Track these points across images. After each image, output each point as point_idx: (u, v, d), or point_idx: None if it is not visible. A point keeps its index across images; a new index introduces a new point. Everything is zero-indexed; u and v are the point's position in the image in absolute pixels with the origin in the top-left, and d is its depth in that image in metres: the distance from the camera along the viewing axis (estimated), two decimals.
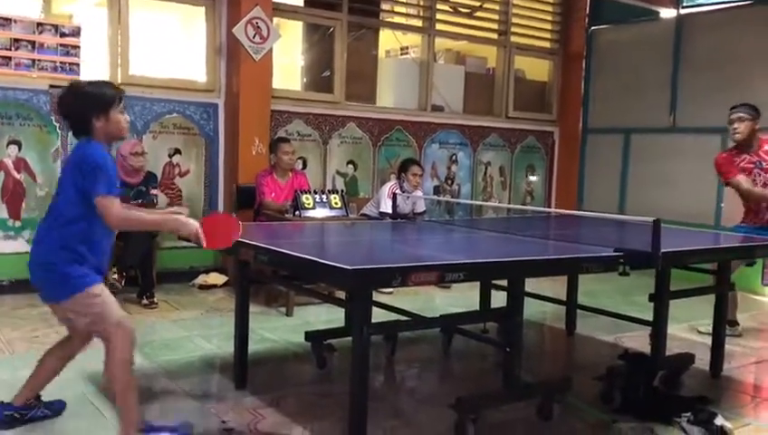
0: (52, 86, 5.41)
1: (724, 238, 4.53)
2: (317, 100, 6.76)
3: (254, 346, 3.87)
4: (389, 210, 5.85)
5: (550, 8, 8.31)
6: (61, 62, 5.46)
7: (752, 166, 4.89)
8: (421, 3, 7.53)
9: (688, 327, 5.04)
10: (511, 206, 7.71)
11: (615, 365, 3.63)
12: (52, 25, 5.44)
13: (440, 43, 7.73)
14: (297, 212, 5.28)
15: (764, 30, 6.75)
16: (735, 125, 4.88)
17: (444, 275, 2.59)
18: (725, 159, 4.99)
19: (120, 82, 5.71)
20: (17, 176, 5.38)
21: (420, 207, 6.38)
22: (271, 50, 6.07)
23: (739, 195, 4.96)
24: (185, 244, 3.88)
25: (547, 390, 3.31)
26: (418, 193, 6.37)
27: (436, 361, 4.29)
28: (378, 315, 2.96)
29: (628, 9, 7.57)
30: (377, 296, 4.10)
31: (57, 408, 3.05)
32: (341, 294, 3.89)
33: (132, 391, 2.76)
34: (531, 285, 3.39)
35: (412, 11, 7.64)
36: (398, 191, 5.88)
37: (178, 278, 5.89)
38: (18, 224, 5.42)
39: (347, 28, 6.82)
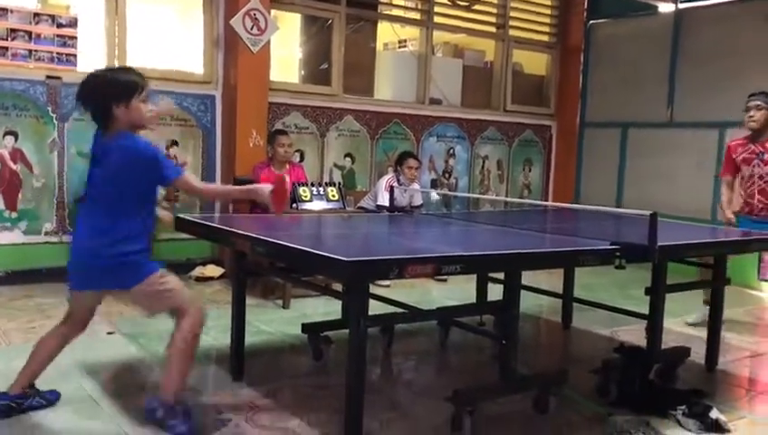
0: (48, 77, 5.39)
1: (721, 232, 4.53)
2: (315, 92, 6.74)
3: (250, 338, 3.87)
4: (387, 203, 5.85)
5: (548, 1, 8.29)
6: (57, 53, 5.44)
7: (753, 157, 4.91)
8: None
9: (683, 321, 5.05)
10: (508, 199, 7.72)
11: (611, 358, 3.64)
12: (49, 16, 5.42)
13: (438, 36, 7.72)
14: (294, 205, 5.27)
15: (762, 24, 6.74)
16: (752, 113, 4.88)
17: (440, 268, 2.59)
18: (729, 151, 5.06)
19: None
20: (14, 167, 5.36)
21: (417, 201, 6.39)
22: (268, 42, 6.05)
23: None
24: (182, 236, 3.91)
25: (543, 382, 3.32)
26: (416, 186, 6.37)
27: (432, 353, 4.30)
28: (375, 308, 2.97)
29: (626, 3, 7.57)
30: (374, 289, 4.11)
31: (51, 398, 3.05)
32: (338, 287, 3.90)
33: (190, 366, 2.91)
34: (527, 278, 3.39)
35: (410, 3, 7.61)
36: (395, 184, 5.89)
37: (175, 270, 5.70)
38: (15, 215, 5.40)
39: (345, 20, 6.80)
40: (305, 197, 5.33)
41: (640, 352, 3.70)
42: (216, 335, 4.23)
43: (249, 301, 3.82)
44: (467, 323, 3.98)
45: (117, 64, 5.70)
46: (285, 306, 5.05)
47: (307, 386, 3.54)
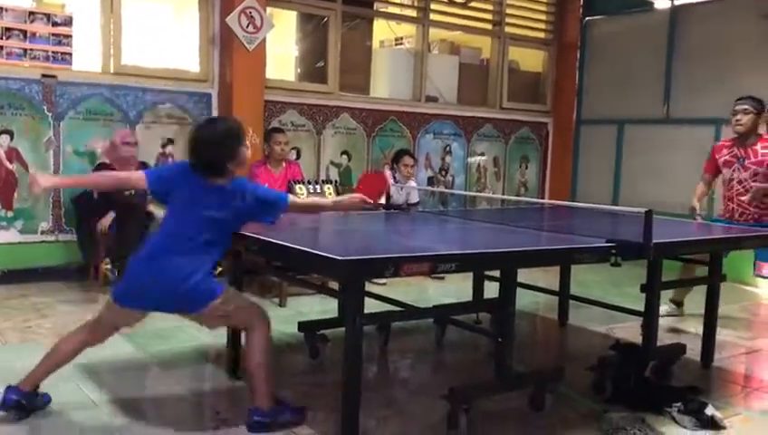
0: (44, 75, 5.38)
1: (716, 229, 4.54)
2: (311, 90, 6.74)
3: None
4: (383, 201, 5.85)
5: None
6: (53, 52, 5.43)
7: (733, 160, 4.95)
8: None
9: (680, 318, 5.07)
10: (504, 197, 7.72)
11: (607, 356, 3.65)
12: (44, 14, 5.41)
13: (434, 33, 7.71)
14: None
15: (758, 21, 6.75)
16: (739, 117, 4.91)
17: (436, 266, 2.59)
18: (714, 151, 5.11)
19: (112, 71, 5.71)
20: (9, 166, 5.35)
21: (414, 198, 6.39)
22: (264, 40, 6.05)
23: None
24: None
25: (539, 380, 3.33)
26: (412, 184, 6.38)
27: (428, 351, 4.30)
28: (371, 306, 2.97)
29: (622, 0, 7.56)
30: (370, 287, 4.10)
31: (45, 401, 3.05)
32: (335, 285, 3.90)
33: (272, 373, 3.00)
34: (523, 275, 3.40)
35: (406, 1, 7.60)
36: (391, 182, 5.89)
37: None
38: (10, 214, 5.39)
39: (341, 18, 6.80)
40: (302, 194, 5.32)
41: (636, 350, 3.71)
42: (213, 334, 4.22)
43: None
44: (464, 320, 3.99)
45: (112, 63, 5.70)
46: (282, 305, 5.05)
47: (303, 384, 3.54)
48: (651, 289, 3.63)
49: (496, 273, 3.32)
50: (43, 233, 5.51)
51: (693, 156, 7.31)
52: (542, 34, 8.35)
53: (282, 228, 3.74)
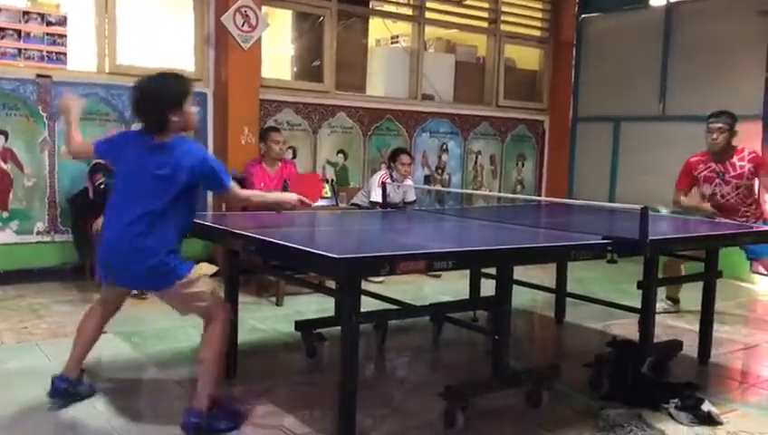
0: (38, 75, 5.37)
1: (712, 226, 4.55)
2: (307, 89, 6.73)
3: (244, 336, 3.87)
4: (380, 200, 5.85)
5: None
6: (47, 52, 5.41)
7: (714, 175, 4.99)
8: None
9: (677, 315, 5.08)
10: (500, 194, 7.72)
11: (603, 352, 3.65)
12: (39, 14, 5.39)
13: (430, 31, 7.71)
14: None
15: (753, 18, 6.75)
16: (715, 135, 4.96)
17: (432, 264, 2.59)
18: (689, 166, 5.14)
19: (107, 71, 5.69)
20: (4, 166, 5.34)
21: (411, 197, 6.38)
22: (260, 39, 6.04)
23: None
24: None
25: (536, 377, 3.33)
26: (409, 182, 6.37)
27: (425, 349, 4.30)
28: (368, 304, 2.97)
29: None
30: (367, 286, 4.11)
31: (92, 389, 3.17)
32: (332, 284, 3.89)
33: (220, 365, 2.95)
34: (520, 273, 3.40)
35: None
36: (388, 181, 5.89)
37: None
38: (6, 215, 5.38)
39: (336, 17, 6.79)
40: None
41: (633, 346, 3.71)
42: None
43: (243, 298, 3.82)
44: (460, 318, 3.99)
45: (107, 62, 5.69)
46: (279, 304, 5.04)
47: (300, 383, 3.54)
48: (648, 286, 3.63)
49: (493, 271, 3.32)
50: (38, 233, 5.50)
51: (688, 153, 7.30)
52: (537, 32, 8.35)
53: (278, 227, 3.74)
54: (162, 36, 6.23)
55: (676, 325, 4.80)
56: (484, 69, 8.07)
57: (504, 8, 7.98)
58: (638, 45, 7.82)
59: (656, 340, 3.77)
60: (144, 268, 2.80)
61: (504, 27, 8.00)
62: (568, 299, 4.83)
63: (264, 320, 4.64)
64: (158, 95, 2.82)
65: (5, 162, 5.34)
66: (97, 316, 3.14)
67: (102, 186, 5.12)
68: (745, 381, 3.93)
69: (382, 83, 7.38)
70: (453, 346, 4.35)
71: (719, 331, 4.43)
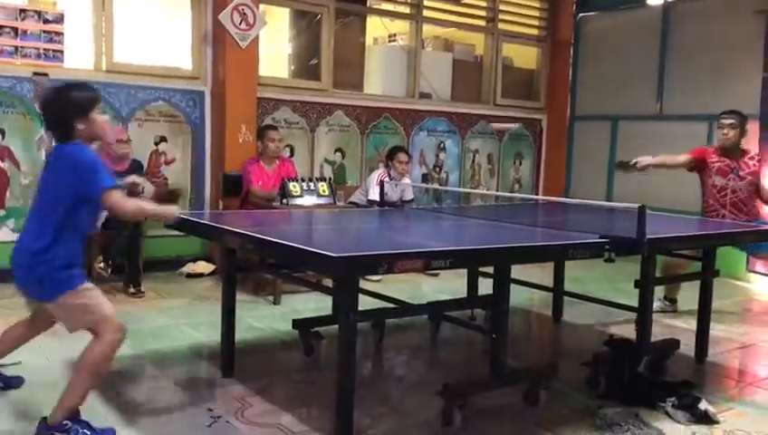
0: (35, 73, 5.36)
1: (709, 225, 4.56)
2: (304, 87, 6.72)
3: (241, 334, 3.86)
4: (377, 198, 5.85)
5: None
6: (44, 49, 5.40)
7: (728, 170, 5.01)
8: None
9: (674, 314, 5.08)
10: (498, 193, 7.72)
11: (601, 351, 3.65)
12: (36, 12, 5.37)
13: (428, 30, 7.70)
14: (284, 200, 5.26)
15: (751, 18, 6.76)
16: (726, 131, 4.99)
17: (430, 263, 2.59)
18: (706, 152, 5.16)
19: (104, 69, 5.68)
20: (1, 164, 5.33)
21: (408, 195, 6.38)
22: (257, 37, 6.03)
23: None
24: (171, 232, 3.89)
25: (534, 376, 3.33)
26: (406, 181, 6.37)
27: (423, 348, 4.30)
28: (365, 303, 2.97)
29: None
30: (365, 284, 4.11)
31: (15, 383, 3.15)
32: (329, 283, 3.90)
33: (93, 384, 2.80)
34: (518, 271, 3.40)
35: None
36: (386, 179, 5.88)
37: (165, 267, 5.86)
38: (2, 213, 5.37)
39: (334, 15, 6.78)
40: (295, 192, 5.31)
41: (630, 345, 3.72)
42: (207, 332, 4.24)
43: (240, 297, 3.82)
44: (458, 317, 3.99)
45: (104, 60, 5.68)
46: (276, 302, 5.04)
47: (298, 382, 3.54)
48: (645, 285, 3.64)
49: (491, 269, 3.32)
50: None
51: (686, 152, 7.33)
52: (535, 31, 8.35)
53: (275, 226, 3.74)
54: (159, 34, 6.23)
55: (673, 324, 4.81)
56: (481, 67, 8.07)
57: (502, 7, 7.98)
58: (636, 44, 7.82)
59: (653, 339, 3.77)
60: (36, 277, 2.74)
61: (501, 26, 8.00)
62: (565, 298, 4.83)
63: (262, 318, 4.63)
64: (64, 102, 2.79)
65: (2, 160, 5.33)
66: (24, 326, 3.11)
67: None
68: (742, 380, 3.94)
69: (380, 82, 7.38)
70: (450, 345, 4.35)
71: (716, 330, 4.44)
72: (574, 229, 3.52)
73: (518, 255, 3.04)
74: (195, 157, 6.15)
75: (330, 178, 5.93)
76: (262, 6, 6.16)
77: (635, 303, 3.73)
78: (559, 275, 4.77)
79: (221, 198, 5.95)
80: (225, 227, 3.24)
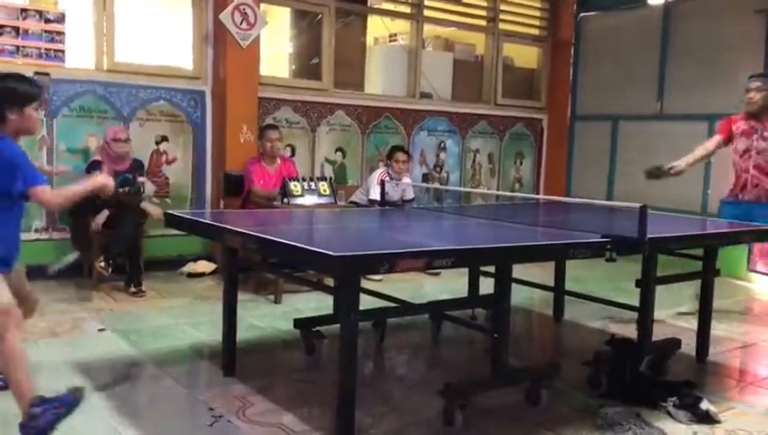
0: (36, 73, 5.34)
1: (711, 225, 4.55)
2: (305, 87, 6.73)
3: (242, 334, 3.86)
4: (378, 198, 5.84)
5: None
6: (45, 49, 5.40)
7: (752, 131, 4.93)
8: None
9: (675, 313, 5.08)
10: (499, 193, 7.72)
11: (602, 351, 3.65)
12: (37, 11, 5.38)
13: (429, 29, 7.70)
14: (285, 199, 5.27)
15: (751, 17, 6.76)
16: (752, 94, 4.92)
17: (431, 262, 2.59)
18: (730, 121, 5.09)
19: (106, 68, 5.69)
20: None
21: (409, 195, 6.38)
22: (258, 36, 6.03)
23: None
24: (172, 232, 3.90)
25: (535, 376, 3.33)
26: (407, 180, 6.37)
27: (424, 347, 4.30)
28: (366, 303, 2.97)
29: None
30: (366, 283, 4.11)
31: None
32: (331, 282, 3.90)
33: (16, 367, 2.71)
34: (519, 271, 3.40)
35: None
36: (387, 179, 5.88)
37: (166, 266, 5.86)
38: None
39: (335, 15, 6.78)
40: (296, 192, 5.31)
41: (631, 345, 3.72)
42: (208, 331, 4.24)
43: (241, 296, 3.82)
44: (459, 316, 3.99)
45: (105, 60, 5.68)
46: (277, 301, 5.04)
47: (299, 381, 3.54)
48: (646, 284, 3.64)
49: (492, 269, 3.32)
50: (36, 231, 5.48)
51: (687, 151, 7.32)
52: (536, 31, 8.35)
53: (277, 225, 3.74)
54: (160, 34, 6.23)
55: (674, 323, 4.81)
56: (482, 67, 8.07)
57: (503, 6, 7.98)
58: (637, 44, 7.82)
59: (654, 338, 3.77)
60: None
61: (502, 26, 8.00)
62: (566, 297, 4.83)
63: (263, 318, 4.63)
64: (1, 90, 2.77)
65: None
66: None
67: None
68: (743, 380, 3.94)
69: (380, 81, 7.38)
70: (452, 344, 4.35)
71: (717, 329, 4.44)
72: (576, 229, 3.52)
73: (519, 254, 3.04)
74: (196, 156, 6.16)
75: (331, 178, 5.93)
76: (263, 6, 6.16)
77: (636, 302, 3.73)
78: (560, 275, 4.77)
79: (222, 198, 5.96)
80: (227, 227, 3.23)
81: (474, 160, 7.99)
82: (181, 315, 4.66)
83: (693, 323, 4.22)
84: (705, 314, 4.05)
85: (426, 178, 7.58)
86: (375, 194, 5.88)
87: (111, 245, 5.06)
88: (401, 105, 7.32)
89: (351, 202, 6.20)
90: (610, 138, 8.08)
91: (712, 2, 7.20)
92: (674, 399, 3.22)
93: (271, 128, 5.86)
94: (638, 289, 3.68)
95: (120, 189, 5.18)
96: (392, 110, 7.25)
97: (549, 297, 4.96)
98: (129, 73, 5.77)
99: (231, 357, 3.53)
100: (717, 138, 5.14)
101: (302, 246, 2.66)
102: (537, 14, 8.33)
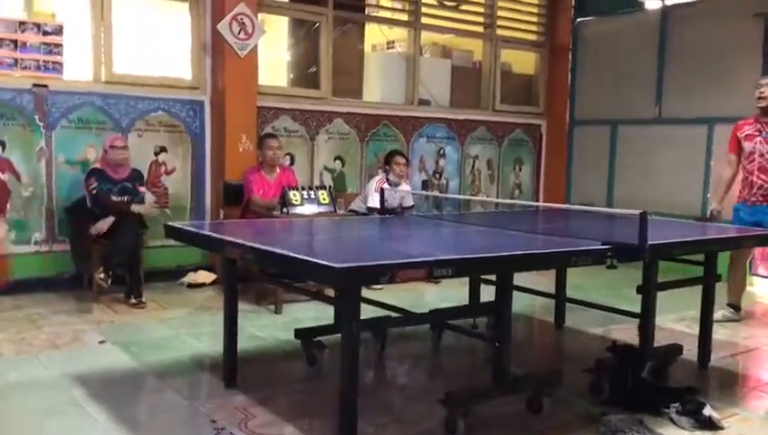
0: (35, 85, 5.36)
1: (711, 230, 4.55)
2: (303, 95, 6.73)
3: (243, 344, 3.85)
4: (377, 205, 5.84)
5: (535, 0, 8.30)
6: (44, 61, 5.40)
7: (756, 134, 4.97)
8: None
9: (677, 318, 5.07)
10: (499, 200, 7.71)
11: (604, 358, 3.64)
12: (35, 24, 5.39)
13: (426, 36, 7.71)
14: (285, 209, 5.26)
15: (748, 21, 6.77)
16: (763, 89, 4.94)
17: (432, 272, 2.58)
18: (735, 129, 5.12)
19: (104, 80, 5.69)
20: (2, 176, 5.32)
21: (408, 202, 6.38)
22: (256, 46, 6.04)
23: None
24: (171, 242, 3.89)
25: (537, 384, 3.32)
26: (406, 187, 6.37)
27: (426, 356, 4.30)
28: (367, 311, 2.96)
29: (613, 1, 7.58)
30: (366, 292, 4.10)
31: None
32: (331, 292, 3.89)
33: None
34: (520, 278, 3.40)
35: (398, 5, 7.60)
36: (385, 185, 5.88)
37: (166, 277, 5.86)
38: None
39: (332, 23, 6.79)
40: (296, 201, 5.31)
41: (633, 351, 3.71)
42: (209, 342, 4.23)
43: (242, 306, 3.81)
44: (460, 325, 3.98)
45: (104, 71, 5.69)
46: (278, 311, 5.03)
47: (301, 392, 3.53)
48: (647, 291, 3.63)
49: (493, 276, 3.32)
50: (36, 243, 5.47)
51: (686, 155, 7.36)
52: (533, 36, 8.36)
53: (276, 236, 3.74)
54: (159, 45, 6.24)
55: (675, 329, 4.80)
56: (480, 73, 8.08)
57: (500, 13, 7.99)
58: (634, 48, 7.84)
59: (656, 344, 3.76)
60: None
61: (499, 32, 8.01)
62: (567, 304, 4.82)
63: (263, 328, 4.63)
64: None
65: (3, 172, 5.32)
66: None
67: (94, 191, 5.12)
68: (746, 385, 3.93)
69: (379, 89, 7.38)
70: (453, 353, 4.34)
71: (719, 334, 4.44)
72: (576, 236, 3.51)
73: (520, 262, 3.03)
74: (195, 166, 6.15)
75: (330, 187, 5.93)
76: (260, 15, 6.17)
77: (638, 308, 3.72)
78: (561, 282, 4.76)
79: (222, 208, 5.95)
80: (226, 238, 3.23)
81: (473, 167, 7.99)
82: (182, 326, 4.65)
83: (694, 328, 4.21)
84: (706, 319, 4.04)
85: (425, 184, 7.58)
86: (373, 202, 5.89)
87: (111, 255, 5.06)
88: (400, 112, 7.32)
89: (351, 210, 6.20)
90: (609, 142, 8.09)
91: (709, 6, 7.21)
92: (676, 405, 3.22)
93: (270, 137, 5.86)
94: (640, 295, 3.67)
95: (120, 198, 5.19)
96: (391, 117, 7.25)
97: (550, 304, 4.95)
98: (127, 84, 5.77)
99: (232, 368, 3.52)
100: (731, 157, 5.16)
101: (303, 257, 2.65)
102: (534, 19, 8.34)
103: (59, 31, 5.46)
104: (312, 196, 5.42)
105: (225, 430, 2.98)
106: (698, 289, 4.05)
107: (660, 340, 3.91)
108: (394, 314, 3.62)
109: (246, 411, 3.18)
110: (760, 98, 4.95)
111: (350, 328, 2.59)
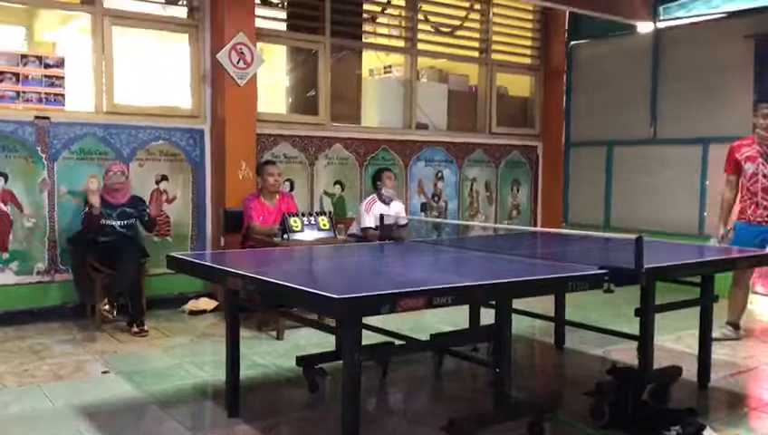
0: (37, 117, 5.43)
1: (707, 251, 4.59)
2: (302, 122, 6.80)
3: (245, 372, 3.88)
4: (372, 224, 5.88)
5: (529, 25, 8.41)
6: (45, 93, 5.48)
7: (758, 155, 5.02)
8: (403, 24, 7.61)
9: (676, 338, 5.09)
10: (497, 226, 7.74)
11: (604, 381, 3.66)
12: (37, 57, 5.47)
13: (423, 60, 7.80)
14: (285, 235, 5.30)
15: (740, 42, 6.87)
16: (763, 121, 4.97)
17: (432, 300, 2.62)
18: (732, 151, 5.17)
19: (105, 110, 5.75)
20: (4, 208, 5.37)
21: (403, 220, 6.37)
22: (255, 74, 6.12)
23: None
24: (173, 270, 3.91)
25: (538, 408, 3.34)
26: (400, 205, 6.40)
27: (427, 381, 4.31)
28: (368, 336, 2.98)
29: (606, 24, 7.69)
30: (367, 318, 4.12)
31: None
32: (332, 320, 3.91)
33: None
34: (519, 300, 3.43)
35: (394, 31, 7.70)
36: (377, 204, 5.96)
37: (168, 304, 5.89)
38: (6, 256, 5.39)
39: (330, 50, 6.87)
40: (296, 227, 5.34)
41: (633, 373, 3.73)
42: (211, 370, 4.25)
43: (243, 333, 3.84)
44: (461, 350, 4.00)
45: (105, 102, 5.75)
46: (279, 338, 5.05)
47: (303, 419, 3.55)
48: (645, 313, 3.66)
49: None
50: (38, 274, 5.51)
51: (681, 174, 7.42)
52: (528, 60, 8.46)
53: (276, 265, 3.77)
54: (159, 75, 6.32)
55: (675, 348, 4.82)
56: (476, 97, 8.17)
57: (495, 38, 8.10)
58: (628, 70, 7.94)
59: (655, 364, 3.78)
60: None
61: (494, 56, 8.11)
62: (567, 326, 4.85)
63: (265, 355, 4.65)
64: None
65: (5, 204, 5.37)
66: None
67: (83, 212, 5.18)
68: (746, 406, 3.94)
69: (377, 114, 7.46)
70: (454, 377, 4.36)
71: (718, 353, 4.45)
72: (574, 260, 3.55)
73: (519, 289, 3.06)
74: (196, 194, 6.21)
75: (330, 212, 5.97)
76: (259, 44, 6.26)
77: (637, 329, 3.74)
78: (560, 304, 4.79)
79: (222, 235, 6.00)
80: (227, 269, 3.26)
81: (471, 189, 8.05)
82: (184, 355, 4.67)
83: (694, 348, 4.23)
84: (705, 340, 4.07)
85: (424, 207, 7.63)
86: (368, 222, 5.94)
87: (113, 284, 5.09)
88: (398, 136, 7.39)
89: (350, 235, 6.23)
90: (605, 163, 8.16)
91: (701, 28, 7.32)
92: (677, 427, 3.23)
93: (270, 163, 5.92)
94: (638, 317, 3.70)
95: (118, 223, 5.25)
96: (389, 141, 7.32)
97: (550, 325, 4.98)
98: (128, 115, 5.84)
99: (235, 397, 3.54)
100: (731, 178, 5.20)
101: (304, 288, 2.69)
102: (529, 43, 8.44)
103: (60, 63, 5.54)
104: (313, 221, 5.45)
105: None
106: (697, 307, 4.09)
107: (660, 359, 3.93)
108: (396, 342, 3.64)
109: None
110: (764, 129, 4.95)
111: (353, 358, 2.62)
